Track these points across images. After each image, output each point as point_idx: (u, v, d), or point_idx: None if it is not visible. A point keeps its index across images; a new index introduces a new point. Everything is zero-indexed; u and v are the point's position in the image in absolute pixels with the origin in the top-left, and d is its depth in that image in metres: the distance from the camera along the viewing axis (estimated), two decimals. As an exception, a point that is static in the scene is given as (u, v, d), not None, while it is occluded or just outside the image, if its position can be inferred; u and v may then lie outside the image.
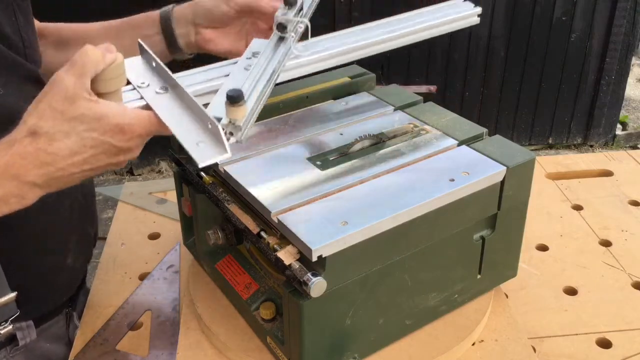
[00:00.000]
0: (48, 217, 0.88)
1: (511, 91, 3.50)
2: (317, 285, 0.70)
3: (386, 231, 0.75)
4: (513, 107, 3.54)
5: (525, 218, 0.93)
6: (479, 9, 1.00)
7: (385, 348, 0.86)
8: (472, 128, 0.94)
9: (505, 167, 0.84)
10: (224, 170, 0.84)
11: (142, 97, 0.70)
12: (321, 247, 0.69)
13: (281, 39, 0.84)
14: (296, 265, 0.72)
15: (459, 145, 0.91)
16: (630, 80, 4.00)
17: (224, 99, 0.69)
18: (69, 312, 1.02)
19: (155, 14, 1.01)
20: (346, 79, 1.08)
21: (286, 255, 0.73)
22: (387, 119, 0.97)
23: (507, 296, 1.01)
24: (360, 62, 0.99)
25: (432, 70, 3.31)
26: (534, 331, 0.97)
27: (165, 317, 0.99)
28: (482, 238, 0.89)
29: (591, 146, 3.75)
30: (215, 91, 0.77)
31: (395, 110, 1.00)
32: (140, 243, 1.17)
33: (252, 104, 0.73)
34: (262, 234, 0.77)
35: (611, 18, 3.35)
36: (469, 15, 1.00)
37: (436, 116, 0.97)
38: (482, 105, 3.49)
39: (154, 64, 0.74)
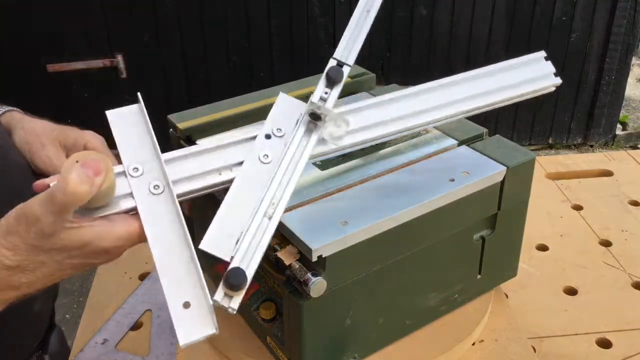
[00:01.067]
0: None
1: (511, 91, 3.50)
2: (317, 286, 0.69)
3: (386, 231, 0.75)
4: (513, 107, 3.54)
5: (525, 218, 0.93)
6: (558, 81, 0.80)
7: (385, 348, 0.86)
8: (472, 128, 0.94)
9: (505, 167, 0.84)
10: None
11: (132, 195, 0.61)
12: (321, 247, 0.69)
13: (312, 124, 0.70)
14: (296, 265, 0.71)
15: (459, 145, 0.91)
16: (630, 80, 4.00)
17: (227, 228, 0.61)
18: (40, 356, 0.95)
19: None
20: (346, 79, 1.08)
21: (286, 255, 0.72)
22: None
23: (507, 296, 1.01)
24: (360, 62, 0.99)
25: (432, 70, 3.31)
26: (534, 331, 0.97)
27: (165, 317, 0.99)
28: (482, 238, 0.89)
29: (591, 146, 3.74)
30: (224, 184, 0.66)
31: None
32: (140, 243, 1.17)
33: (253, 270, 0.61)
34: None
35: (611, 18, 3.35)
36: (547, 87, 0.80)
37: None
38: (482, 105, 3.50)
39: (150, 138, 0.64)
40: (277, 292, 0.85)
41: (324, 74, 0.72)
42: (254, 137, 0.68)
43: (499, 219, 0.88)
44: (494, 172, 0.83)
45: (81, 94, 3.17)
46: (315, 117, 0.69)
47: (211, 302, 0.57)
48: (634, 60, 4.10)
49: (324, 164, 0.84)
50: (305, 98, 1.02)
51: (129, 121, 0.66)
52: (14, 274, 0.58)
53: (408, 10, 3.16)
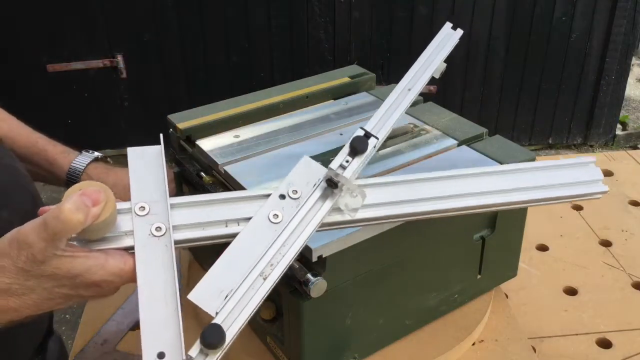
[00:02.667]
0: None
1: (511, 91, 3.49)
2: (317, 286, 0.70)
3: (386, 231, 0.75)
4: (513, 107, 3.54)
5: (526, 218, 0.93)
6: (606, 188, 0.74)
7: (385, 348, 0.86)
8: (472, 128, 0.94)
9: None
10: (224, 171, 0.84)
11: (132, 233, 0.61)
12: (321, 247, 0.69)
13: (329, 190, 0.67)
14: (296, 265, 0.71)
15: (459, 145, 0.91)
16: (630, 80, 4.00)
17: (218, 283, 0.59)
18: None
19: (64, 165, 0.96)
20: (346, 79, 1.08)
21: None
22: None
23: (507, 296, 1.01)
24: (360, 62, 0.99)
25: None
26: (534, 331, 0.97)
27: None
28: (482, 238, 0.89)
29: (591, 146, 3.74)
30: (228, 237, 0.64)
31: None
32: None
33: (234, 333, 0.59)
34: None
35: (611, 18, 3.34)
36: (595, 194, 0.75)
37: (436, 116, 0.97)
38: (482, 105, 3.49)
39: (162, 179, 0.64)
40: (277, 292, 0.85)
41: (348, 142, 0.69)
42: (268, 195, 0.66)
43: (498, 219, 0.89)
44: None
45: (81, 94, 3.17)
46: (332, 184, 0.67)
47: (184, 358, 0.55)
48: (634, 60, 4.09)
49: (324, 164, 0.84)
50: (303, 98, 1.02)
51: (146, 161, 0.66)
52: (2, 297, 0.57)
53: (408, 10, 3.16)
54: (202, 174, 0.89)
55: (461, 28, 0.87)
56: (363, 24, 3.17)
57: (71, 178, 0.96)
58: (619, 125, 3.77)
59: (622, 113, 3.80)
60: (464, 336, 0.88)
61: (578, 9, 3.32)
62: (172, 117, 0.95)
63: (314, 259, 0.69)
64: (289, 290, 0.73)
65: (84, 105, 3.17)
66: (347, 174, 0.67)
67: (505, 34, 3.34)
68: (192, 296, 0.59)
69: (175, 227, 0.62)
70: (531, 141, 3.66)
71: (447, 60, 0.86)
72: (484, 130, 0.93)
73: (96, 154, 0.99)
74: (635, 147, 3.77)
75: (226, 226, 0.64)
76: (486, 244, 0.89)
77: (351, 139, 0.70)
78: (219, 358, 0.57)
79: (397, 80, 0.78)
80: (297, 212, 0.65)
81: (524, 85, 3.48)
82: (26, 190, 0.87)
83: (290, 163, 0.84)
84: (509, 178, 0.72)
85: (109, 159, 1.01)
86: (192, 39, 3.16)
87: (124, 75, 3.16)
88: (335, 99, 1.05)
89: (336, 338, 0.80)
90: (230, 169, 0.84)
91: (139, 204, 0.62)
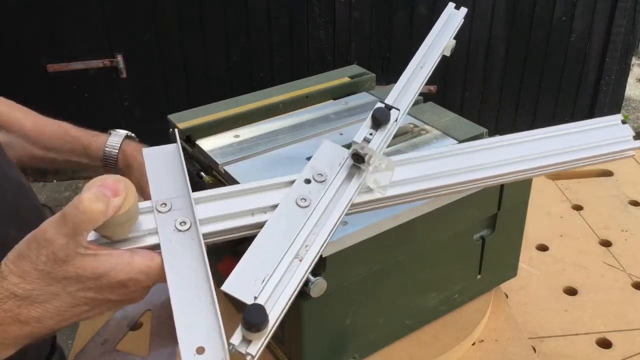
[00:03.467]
0: None
1: (511, 91, 3.49)
2: (317, 286, 0.69)
3: (386, 231, 0.75)
4: (513, 107, 3.54)
5: (526, 218, 0.93)
6: (638, 144, 0.73)
7: (385, 348, 0.86)
8: (472, 128, 0.94)
9: None
10: (224, 170, 0.84)
11: (156, 230, 0.59)
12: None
13: (356, 167, 0.66)
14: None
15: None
16: (630, 80, 4.00)
17: (253, 270, 0.57)
18: None
19: (98, 148, 0.97)
20: (346, 79, 1.08)
21: None
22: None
23: (507, 296, 1.01)
24: (360, 62, 0.99)
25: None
26: (534, 331, 0.97)
27: (165, 317, 0.99)
28: (482, 238, 0.89)
29: (591, 146, 3.75)
30: (256, 227, 0.62)
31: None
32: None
33: (277, 315, 0.56)
34: None
35: (611, 18, 3.34)
36: (626, 151, 0.74)
37: (436, 116, 0.97)
38: (482, 105, 3.49)
39: (183, 175, 0.62)
40: None
41: (369, 115, 0.68)
42: (292, 182, 0.65)
43: (499, 219, 0.89)
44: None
45: (81, 94, 3.17)
46: (358, 159, 0.65)
47: (228, 353, 0.52)
48: (634, 60, 4.09)
49: None
50: (303, 98, 1.02)
51: (163, 159, 0.64)
52: (23, 306, 0.53)
53: (408, 10, 3.16)
54: (202, 173, 0.89)
55: (461, 28, 0.87)
56: (363, 24, 3.17)
57: (108, 159, 0.96)
58: (619, 125, 3.77)
59: (622, 113, 3.80)
60: (464, 336, 0.88)
61: (578, 9, 3.31)
62: (172, 117, 0.95)
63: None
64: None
65: (84, 105, 3.16)
66: (372, 146, 0.65)
67: (505, 34, 3.34)
68: (226, 287, 0.56)
69: (200, 221, 0.60)
70: (531, 141, 3.66)
71: (449, 57, 0.86)
72: (484, 130, 0.93)
73: (124, 132, 1.00)
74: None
75: (252, 215, 0.62)
76: (486, 244, 0.89)
77: (372, 111, 0.68)
78: (262, 348, 0.54)
79: (397, 80, 0.78)
80: (324, 193, 0.63)
81: (524, 85, 3.48)
82: (31, 206, 0.86)
83: (290, 163, 0.85)
84: (537, 144, 0.71)
85: (134, 136, 1.02)
86: (192, 39, 3.16)
87: (124, 75, 3.15)
88: (335, 99, 1.05)
89: (336, 338, 0.80)
90: (231, 169, 0.84)
91: (160, 201, 0.60)
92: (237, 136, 0.92)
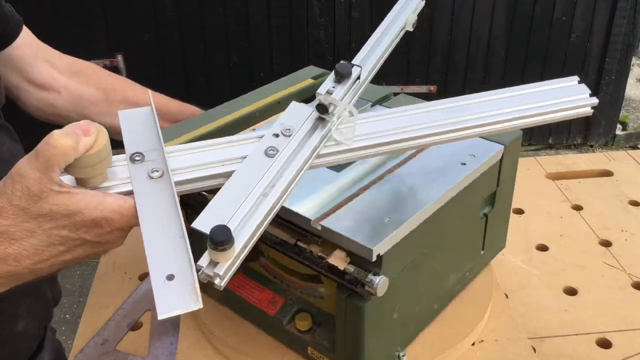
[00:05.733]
0: None
1: (511, 91, 3.50)
2: (382, 284, 0.70)
3: (427, 219, 0.77)
4: (513, 107, 3.54)
5: (513, 191, 0.97)
6: (595, 100, 0.78)
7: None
8: None
9: (503, 146, 0.88)
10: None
11: (130, 179, 0.61)
12: (378, 246, 0.69)
13: (320, 119, 0.71)
14: (351, 268, 0.71)
15: None
16: (630, 80, 4.00)
17: (220, 211, 0.59)
18: None
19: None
20: (310, 81, 1.08)
21: (337, 261, 0.72)
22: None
23: (507, 296, 1.01)
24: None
25: (432, 70, 3.31)
26: (534, 331, 0.97)
27: (165, 317, 0.99)
28: (485, 215, 0.92)
29: (591, 146, 3.74)
30: (225, 176, 0.65)
31: (372, 105, 1.01)
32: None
33: (245, 239, 0.59)
34: (300, 244, 0.76)
35: (611, 18, 3.34)
36: (584, 106, 0.79)
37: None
38: (482, 105, 3.50)
39: (156, 131, 0.65)
40: (308, 302, 0.84)
41: (333, 71, 0.72)
42: (262, 136, 0.68)
43: (497, 195, 0.92)
44: (495, 152, 0.87)
45: (81, 94, 3.17)
46: (322, 110, 0.69)
47: (197, 277, 0.54)
48: (634, 60, 4.09)
49: (336, 167, 0.84)
50: (276, 104, 1.02)
51: (137, 119, 0.67)
52: (0, 241, 0.55)
53: (408, 10, 3.16)
54: (205, 192, 0.84)
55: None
56: (363, 24, 3.17)
57: None
58: (619, 125, 3.77)
59: (622, 113, 3.80)
60: (464, 336, 0.88)
61: (578, 9, 3.31)
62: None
63: (374, 258, 0.69)
64: (344, 295, 0.73)
65: (84, 105, 3.16)
66: (335, 97, 0.69)
67: (505, 34, 3.34)
68: (196, 224, 0.58)
69: (172, 171, 0.62)
70: (531, 141, 3.66)
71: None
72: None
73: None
74: (635, 147, 3.77)
75: (223, 165, 0.65)
76: (488, 220, 0.93)
77: (336, 66, 0.72)
78: (231, 269, 0.56)
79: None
80: (290, 142, 0.68)
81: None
82: (16, 150, 0.85)
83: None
84: (498, 103, 0.75)
85: None
86: (192, 39, 3.16)
87: (124, 75, 3.16)
88: (305, 101, 1.04)
89: (387, 334, 0.80)
90: None
91: (133, 153, 0.62)
92: None
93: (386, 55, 0.80)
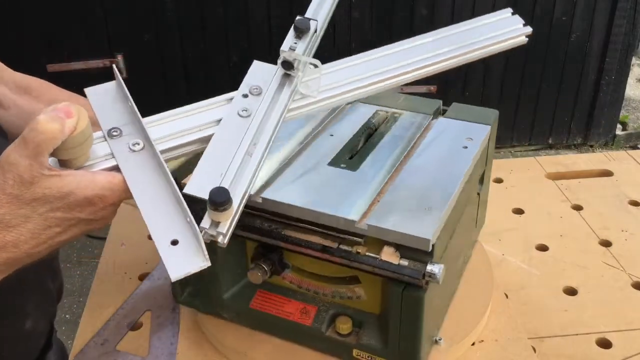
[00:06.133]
0: None
1: (511, 91, 3.49)
2: (443, 272, 0.71)
3: (456, 199, 0.79)
4: (513, 107, 3.54)
5: (492, 167, 1.02)
6: (528, 29, 0.81)
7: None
8: (429, 102, 1.01)
9: (489, 126, 0.93)
10: (263, 199, 0.77)
11: (112, 154, 0.62)
12: (433, 235, 0.70)
13: (286, 75, 0.74)
14: (405, 262, 0.72)
15: (433, 118, 0.97)
16: (630, 80, 4.00)
17: (208, 174, 0.61)
18: None
19: None
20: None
21: (390, 257, 0.73)
22: (356, 113, 0.98)
23: (507, 296, 1.01)
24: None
25: None
26: (534, 331, 0.97)
27: (165, 317, 0.99)
28: (478, 193, 0.96)
29: (591, 146, 3.74)
30: (205, 140, 0.67)
31: (349, 102, 1.01)
32: (140, 243, 1.17)
33: (240, 197, 0.62)
34: (343, 247, 0.75)
35: (611, 18, 3.34)
36: (518, 36, 0.81)
37: (390, 99, 1.01)
38: (482, 105, 3.49)
39: (129, 104, 0.66)
40: (343, 305, 0.84)
41: (292, 27, 0.75)
42: (231, 99, 0.71)
43: (485, 173, 0.97)
44: (486, 133, 0.91)
45: (81, 94, 3.16)
46: (287, 66, 0.72)
47: (201, 237, 0.56)
48: (634, 60, 4.09)
49: (350, 165, 0.84)
50: None
51: (106, 94, 0.68)
52: None
53: (408, 10, 3.16)
54: None
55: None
56: (363, 24, 3.17)
57: None
58: (619, 125, 3.77)
59: (622, 113, 3.80)
60: (464, 336, 0.88)
61: (578, 9, 3.32)
62: None
63: (430, 248, 0.70)
64: (400, 289, 0.73)
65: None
66: (298, 52, 0.73)
67: (505, 34, 3.34)
68: (188, 189, 0.61)
69: (154, 141, 0.64)
70: (531, 141, 3.66)
71: None
72: (439, 101, 1.01)
73: None
74: (635, 147, 3.77)
75: (200, 130, 0.68)
76: (480, 198, 0.97)
77: (295, 22, 0.75)
78: (232, 226, 0.58)
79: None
80: (262, 102, 0.71)
81: (524, 85, 3.48)
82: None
83: (318, 173, 0.83)
84: (441, 42, 0.80)
85: None
86: (192, 39, 3.16)
87: (124, 75, 3.16)
88: None
89: (431, 321, 0.81)
90: (271, 195, 0.77)
91: (111, 129, 0.64)
92: None
93: (334, 5, 0.83)
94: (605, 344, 0.95)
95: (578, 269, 1.10)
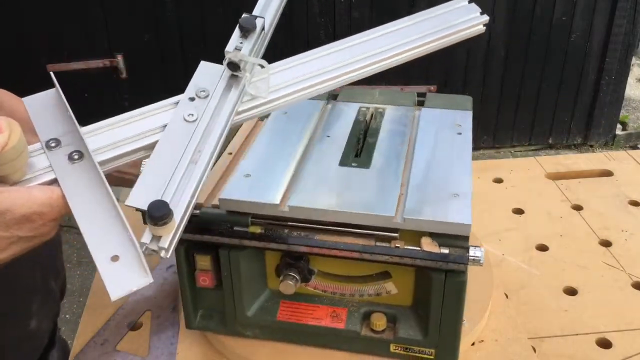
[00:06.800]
0: (4, 282, 0.78)
1: (511, 91, 3.50)
2: (484, 253, 0.73)
3: None
4: (513, 107, 3.54)
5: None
6: (486, 18, 0.81)
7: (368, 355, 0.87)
8: (405, 95, 1.02)
9: (470, 111, 0.96)
10: (290, 207, 0.75)
11: (51, 167, 0.60)
12: (471, 220, 0.72)
13: (234, 77, 0.71)
14: (446, 250, 0.73)
15: (416, 109, 0.98)
16: (630, 80, 4.00)
17: (151, 184, 0.59)
18: None
19: None
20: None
21: (431, 247, 0.73)
22: (341, 112, 0.99)
23: (507, 296, 1.01)
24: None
25: (432, 70, 3.31)
26: (534, 331, 0.97)
27: (165, 317, 0.99)
28: None
29: (591, 146, 3.74)
30: (149, 148, 0.64)
31: (328, 103, 1.02)
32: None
33: (183, 209, 0.58)
34: (380, 244, 0.75)
35: (611, 18, 3.35)
36: (476, 25, 0.81)
37: (367, 96, 1.02)
38: (482, 105, 3.49)
39: (68, 113, 0.64)
40: (372, 302, 0.84)
41: (237, 26, 0.73)
42: (177, 102, 0.68)
43: None
44: (470, 118, 0.95)
45: (81, 94, 3.17)
46: (233, 67, 0.70)
47: (142, 253, 0.54)
48: (634, 60, 4.10)
49: (360, 164, 0.85)
50: None
51: (44, 103, 0.66)
52: None
53: (408, 11, 3.16)
54: (243, 227, 0.78)
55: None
56: (363, 24, 3.17)
57: None
58: (619, 125, 3.77)
59: (622, 113, 3.80)
60: (464, 336, 0.88)
61: (578, 9, 3.32)
62: None
63: (469, 232, 0.72)
64: (441, 277, 0.75)
65: (84, 106, 3.16)
66: (244, 52, 0.70)
67: (505, 34, 3.34)
68: (129, 201, 0.58)
69: (93, 151, 0.61)
70: (531, 141, 3.66)
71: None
72: (414, 93, 1.02)
73: None
74: (635, 147, 3.78)
75: (145, 137, 0.65)
76: None
77: (239, 21, 0.73)
78: (174, 240, 0.56)
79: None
80: (208, 104, 0.68)
81: (524, 85, 3.48)
82: None
83: (334, 176, 0.82)
84: (397, 35, 0.80)
85: None
86: (192, 39, 3.17)
87: (124, 75, 3.16)
88: None
89: None
90: (299, 202, 0.76)
91: (49, 140, 0.61)
92: (247, 175, 0.81)
93: (284, 3, 0.80)
94: (605, 344, 0.95)
95: (578, 269, 1.10)
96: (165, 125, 0.66)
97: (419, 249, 0.74)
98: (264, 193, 0.77)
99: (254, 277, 0.83)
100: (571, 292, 1.05)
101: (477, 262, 0.72)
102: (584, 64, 3.46)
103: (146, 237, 0.55)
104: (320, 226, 0.76)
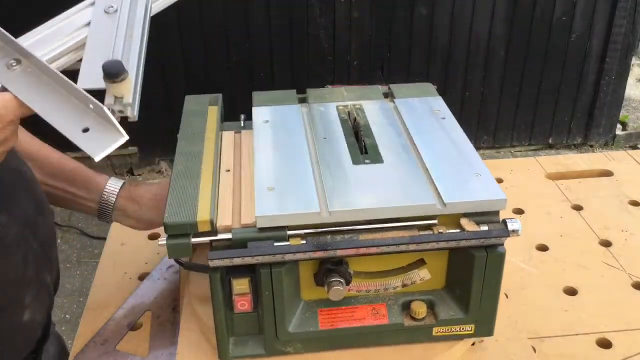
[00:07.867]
0: None
1: (511, 91, 3.49)
2: (521, 224, 0.76)
3: None
4: (513, 107, 3.54)
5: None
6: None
7: (385, 347, 0.86)
8: (372, 89, 1.05)
9: (440, 97, 1.01)
10: (331, 212, 0.75)
11: None
12: (505, 195, 0.76)
13: None
14: (485, 227, 0.76)
15: (389, 102, 1.02)
16: (630, 80, 4.00)
17: (95, 65, 0.61)
18: None
19: (99, 186, 0.97)
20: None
21: (471, 226, 0.76)
22: (322, 114, 0.99)
23: (507, 296, 1.01)
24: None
25: (432, 70, 3.31)
26: (534, 331, 0.97)
27: (165, 317, 0.99)
28: None
29: (591, 146, 3.74)
30: (80, 44, 0.68)
31: (302, 107, 1.02)
32: (140, 243, 1.17)
33: (135, 69, 0.63)
34: (423, 232, 0.77)
35: (611, 18, 3.34)
36: None
37: (336, 94, 1.04)
38: (482, 105, 3.49)
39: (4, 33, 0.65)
40: (407, 292, 0.84)
41: None
42: (94, 2, 0.72)
43: None
44: (442, 103, 1.00)
45: (81, 94, 3.17)
46: None
47: (110, 114, 0.56)
48: (634, 60, 4.10)
49: (372, 159, 0.86)
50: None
51: None
52: None
53: (408, 10, 3.16)
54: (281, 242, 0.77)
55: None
56: (363, 24, 3.17)
57: (106, 196, 0.96)
58: (619, 125, 3.77)
59: (622, 113, 3.80)
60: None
61: (578, 9, 3.32)
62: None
63: (504, 207, 0.77)
64: (481, 254, 0.77)
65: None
66: None
67: (505, 34, 3.34)
68: (81, 84, 0.61)
69: (29, 56, 0.63)
70: (531, 141, 3.66)
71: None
72: (378, 86, 1.06)
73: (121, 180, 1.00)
74: (635, 147, 3.77)
75: (74, 34, 0.69)
76: None
77: None
78: (136, 97, 0.59)
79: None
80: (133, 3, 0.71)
81: (524, 85, 3.48)
82: (30, 195, 0.86)
83: (355, 176, 0.83)
84: None
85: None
86: (192, 39, 3.16)
87: (124, 75, 3.15)
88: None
89: None
90: (338, 205, 0.76)
91: None
92: (271, 189, 0.79)
93: None
94: (605, 344, 0.95)
95: (578, 269, 1.10)
96: (89, 22, 0.70)
97: (460, 230, 0.76)
98: (300, 203, 0.76)
99: (291, 291, 0.81)
100: (571, 292, 1.05)
101: (516, 232, 0.75)
102: (583, 64, 3.46)
103: (109, 100, 0.59)
104: (362, 226, 0.76)
